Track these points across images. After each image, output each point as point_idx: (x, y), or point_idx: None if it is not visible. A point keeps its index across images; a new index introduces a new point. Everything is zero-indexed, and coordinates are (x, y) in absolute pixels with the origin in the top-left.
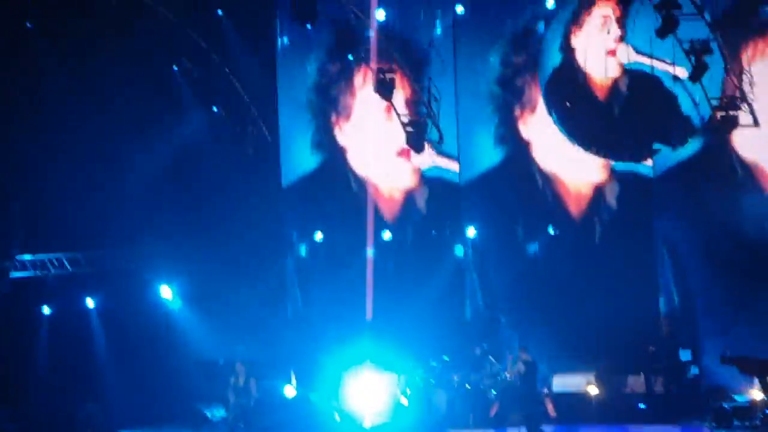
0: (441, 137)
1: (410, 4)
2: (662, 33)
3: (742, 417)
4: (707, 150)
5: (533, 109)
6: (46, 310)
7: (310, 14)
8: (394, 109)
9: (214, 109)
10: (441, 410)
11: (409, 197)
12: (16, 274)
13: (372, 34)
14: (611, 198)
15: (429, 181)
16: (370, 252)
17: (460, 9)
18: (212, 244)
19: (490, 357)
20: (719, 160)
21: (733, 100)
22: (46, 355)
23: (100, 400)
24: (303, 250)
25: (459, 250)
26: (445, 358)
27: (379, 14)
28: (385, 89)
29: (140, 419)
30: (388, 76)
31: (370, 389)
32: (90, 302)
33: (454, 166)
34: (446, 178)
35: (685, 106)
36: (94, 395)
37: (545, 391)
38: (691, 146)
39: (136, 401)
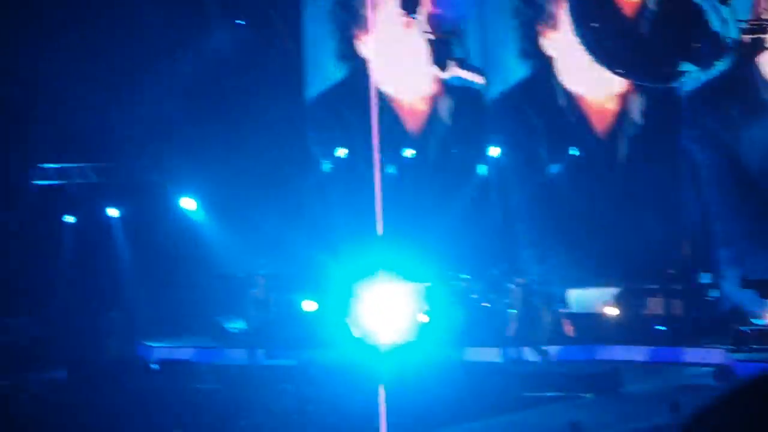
0: (467, 55)
1: None
2: None
3: (761, 340)
4: (735, 72)
5: (556, 26)
6: (69, 218)
7: None
8: (419, 25)
9: (239, 21)
10: (460, 327)
11: (434, 111)
12: (39, 182)
13: None
14: (637, 115)
15: (453, 90)
16: (391, 169)
17: None
18: (235, 158)
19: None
20: (747, 83)
21: (762, 23)
22: (69, 264)
23: (123, 309)
24: (326, 166)
25: (482, 169)
26: (464, 276)
27: None
28: (409, 3)
29: (162, 330)
30: None
31: (386, 304)
32: (113, 212)
33: (479, 79)
34: (472, 87)
35: (715, 25)
36: (117, 305)
37: (562, 310)
38: (719, 68)
39: (158, 312)
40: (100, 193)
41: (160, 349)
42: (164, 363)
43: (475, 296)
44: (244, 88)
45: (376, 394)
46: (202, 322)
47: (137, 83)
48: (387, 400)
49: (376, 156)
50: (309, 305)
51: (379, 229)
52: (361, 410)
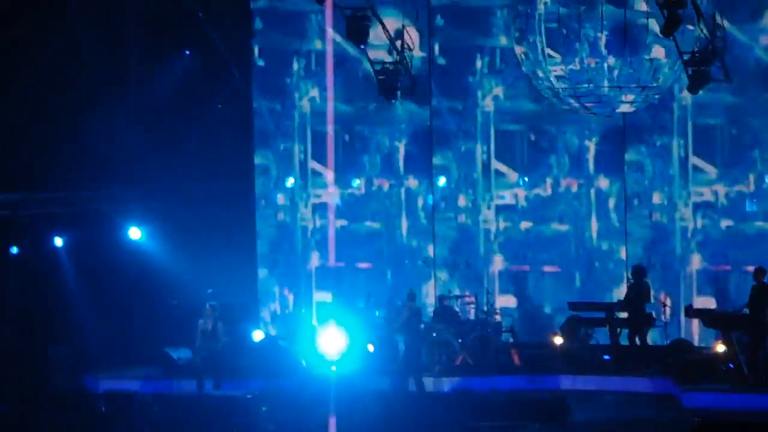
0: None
1: None
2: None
3: (707, 370)
4: None
5: None
6: (14, 249)
7: None
8: (366, 55)
9: (187, 52)
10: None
11: None
12: None
13: None
14: None
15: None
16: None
17: None
18: (182, 187)
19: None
20: None
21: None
22: (14, 295)
23: (69, 341)
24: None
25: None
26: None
27: None
28: (358, 32)
29: (109, 362)
30: (363, 22)
31: (335, 334)
32: (59, 242)
33: None
34: None
35: None
36: (64, 337)
37: (510, 340)
38: None
39: (105, 344)
40: (47, 223)
41: (107, 381)
42: (110, 395)
43: (422, 325)
44: (193, 117)
45: (326, 426)
46: (150, 352)
47: (86, 112)
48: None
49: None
50: (258, 335)
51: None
52: None
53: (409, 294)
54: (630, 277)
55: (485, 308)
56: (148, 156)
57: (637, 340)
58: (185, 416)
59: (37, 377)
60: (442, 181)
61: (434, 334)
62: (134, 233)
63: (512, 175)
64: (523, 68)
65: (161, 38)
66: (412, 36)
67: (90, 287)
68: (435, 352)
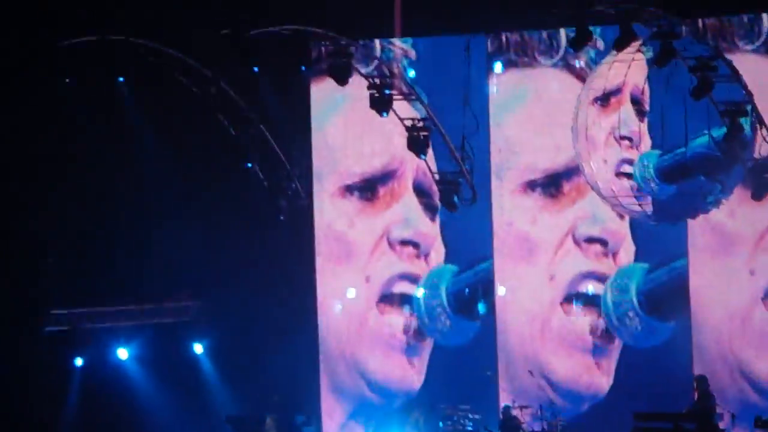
0: (474, 195)
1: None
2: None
3: None
4: None
5: None
6: (78, 362)
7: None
8: (427, 165)
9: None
10: None
11: None
12: (50, 329)
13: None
14: None
15: None
16: None
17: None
18: (247, 303)
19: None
20: None
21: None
22: (78, 409)
23: None
24: (337, 309)
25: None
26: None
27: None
28: (418, 146)
29: None
30: (422, 133)
31: None
32: (123, 354)
33: None
34: None
35: None
36: None
37: None
38: None
39: None
40: (110, 336)
41: None
42: None
43: None
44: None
45: None
46: None
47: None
48: None
49: None
50: None
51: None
52: None
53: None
54: (696, 386)
55: (552, 418)
56: (211, 269)
57: None
58: None
59: None
60: None
61: None
62: (197, 348)
63: None
64: None
65: (225, 154)
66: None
67: (151, 400)
68: None
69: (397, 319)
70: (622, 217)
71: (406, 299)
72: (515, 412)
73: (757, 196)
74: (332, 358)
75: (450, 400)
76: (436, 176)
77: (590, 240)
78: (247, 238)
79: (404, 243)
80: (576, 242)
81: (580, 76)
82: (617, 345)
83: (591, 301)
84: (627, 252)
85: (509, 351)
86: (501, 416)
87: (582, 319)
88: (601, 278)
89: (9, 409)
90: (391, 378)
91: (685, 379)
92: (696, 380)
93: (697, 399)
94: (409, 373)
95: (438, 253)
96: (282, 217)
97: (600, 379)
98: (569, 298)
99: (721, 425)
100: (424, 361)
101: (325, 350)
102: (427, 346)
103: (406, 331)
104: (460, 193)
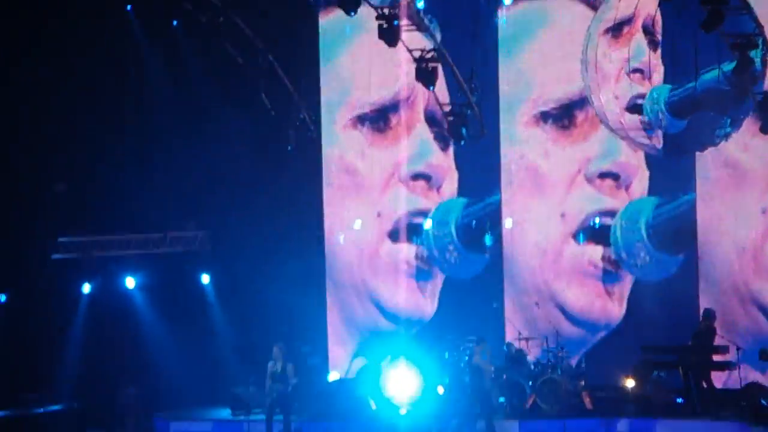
0: (482, 129)
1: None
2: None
3: None
4: None
5: None
6: (86, 288)
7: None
8: (436, 97)
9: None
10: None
11: None
12: (57, 256)
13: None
14: None
15: None
16: None
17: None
18: (254, 232)
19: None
20: None
21: None
22: (84, 336)
23: (140, 384)
24: (341, 239)
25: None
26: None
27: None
28: (426, 77)
29: (178, 403)
30: (431, 64)
31: (405, 377)
32: (130, 282)
33: None
34: None
35: None
36: (134, 379)
37: (581, 383)
38: None
39: (173, 385)
40: (117, 264)
41: (177, 422)
42: None
43: (492, 368)
44: (263, 169)
45: None
46: (219, 394)
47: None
48: None
49: None
50: (332, 375)
51: None
52: None
53: (479, 337)
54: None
55: (556, 350)
56: (218, 199)
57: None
58: None
59: (108, 421)
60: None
61: (504, 377)
62: (203, 279)
63: None
64: None
65: (232, 83)
66: None
67: (157, 329)
68: (505, 395)
69: (409, 248)
70: (634, 150)
71: (416, 231)
72: (521, 345)
73: (766, 129)
74: (343, 288)
75: (459, 331)
76: (446, 108)
77: (602, 175)
78: (255, 169)
79: (416, 177)
80: (588, 179)
81: (592, 5)
82: (628, 275)
83: (601, 234)
84: (641, 182)
85: (517, 283)
86: (505, 350)
87: (593, 248)
88: (612, 214)
89: (18, 334)
90: (404, 306)
91: (694, 310)
92: (702, 314)
93: (696, 334)
94: (421, 301)
95: (451, 184)
96: (290, 148)
97: (613, 306)
98: (580, 232)
99: (728, 357)
100: (436, 291)
101: (335, 281)
102: (439, 275)
103: (417, 258)
104: (468, 125)
